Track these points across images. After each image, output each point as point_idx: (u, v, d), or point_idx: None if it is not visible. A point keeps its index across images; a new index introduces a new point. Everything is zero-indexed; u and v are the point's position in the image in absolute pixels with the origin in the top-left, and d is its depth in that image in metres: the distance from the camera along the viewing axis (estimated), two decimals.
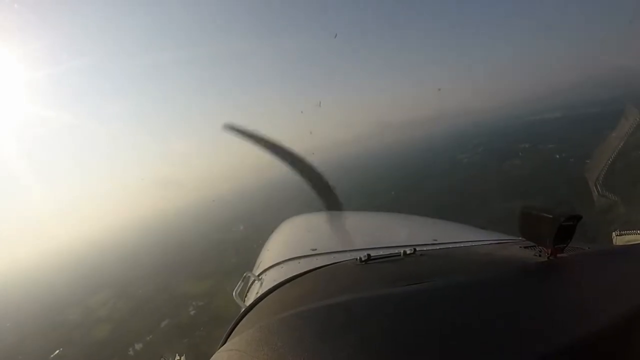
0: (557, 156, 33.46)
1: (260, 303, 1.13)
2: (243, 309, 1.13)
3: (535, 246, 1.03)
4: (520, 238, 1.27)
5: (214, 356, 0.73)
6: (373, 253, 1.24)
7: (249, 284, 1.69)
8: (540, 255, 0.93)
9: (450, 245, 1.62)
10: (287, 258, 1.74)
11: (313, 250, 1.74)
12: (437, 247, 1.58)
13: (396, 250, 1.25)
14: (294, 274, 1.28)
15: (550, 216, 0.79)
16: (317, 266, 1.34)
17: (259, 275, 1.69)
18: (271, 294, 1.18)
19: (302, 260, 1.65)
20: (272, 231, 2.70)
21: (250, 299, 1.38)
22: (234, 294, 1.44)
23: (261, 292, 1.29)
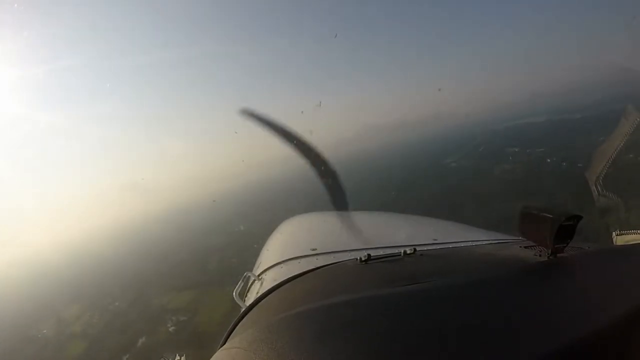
0: (549, 160, 33.58)
1: (260, 303, 1.13)
2: (243, 309, 1.12)
3: (535, 246, 1.03)
4: (520, 238, 1.29)
5: (214, 356, 0.72)
6: (373, 253, 1.24)
7: (249, 284, 1.69)
8: (540, 255, 0.94)
9: (450, 245, 1.63)
10: (287, 258, 1.73)
11: (313, 250, 1.74)
12: (437, 247, 1.59)
13: (396, 250, 1.26)
14: (294, 274, 1.28)
15: (550, 216, 0.79)
16: (317, 266, 1.34)
17: (259, 275, 1.68)
18: (271, 294, 1.17)
19: (302, 260, 1.64)
20: (272, 231, 2.69)
21: (251, 299, 1.37)
22: (234, 293, 1.43)
23: (261, 292, 1.28)
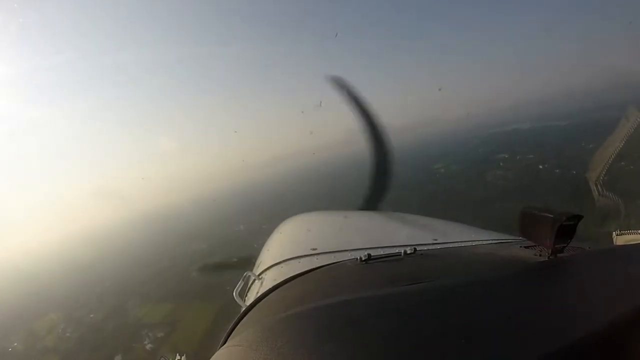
0: (541, 167, 33.52)
1: (260, 303, 1.13)
2: (243, 309, 1.12)
3: (535, 246, 1.04)
4: (520, 238, 1.30)
5: (214, 356, 0.72)
6: (373, 253, 1.24)
7: (249, 283, 1.68)
8: (540, 255, 0.94)
9: (451, 245, 1.63)
10: (287, 258, 1.72)
11: (313, 249, 1.74)
12: (438, 247, 1.59)
13: (396, 250, 1.26)
14: (294, 274, 1.28)
15: (551, 216, 0.80)
16: (317, 266, 1.34)
17: (259, 275, 1.68)
18: (271, 294, 1.17)
19: (302, 260, 1.64)
20: (272, 231, 2.68)
21: (251, 298, 1.36)
22: (234, 293, 1.43)
23: (261, 291, 1.28)
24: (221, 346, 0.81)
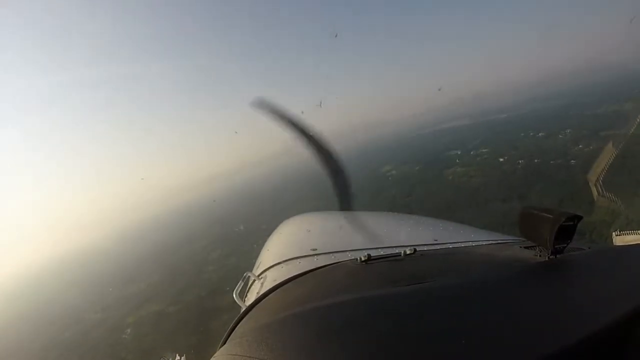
0: (501, 159, 33.32)
1: (260, 303, 1.13)
2: (243, 309, 1.12)
3: (535, 246, 1.02)
4: (520, 238, 1.29)
5: (214, 355, 0.72)
6: (373, 253, 1.24)
7: (249, 284, 1.68)
8: (540, 256, 0.93)
9: (451, 246, 1.63)
10: (287, 258, 1.72)
11: (313, 250, 1.74)
12: (438, 247, 1.59)
13: (396, 250, 1.26)
14: (294, 274, 1.28)
15: (550, 216, 0.80)
16: (317, 266, 1.34)
17: (259, 275, 1.68)
18: (271, 294, 1.17)
19: (302, 260, 1.64)
20: (272, 231, 2.69)
21: (251, 299, 1.37)
22: (234, 293, 1.43)
23: (261, 292, 1.28)
24: (221, 346, 0.82)
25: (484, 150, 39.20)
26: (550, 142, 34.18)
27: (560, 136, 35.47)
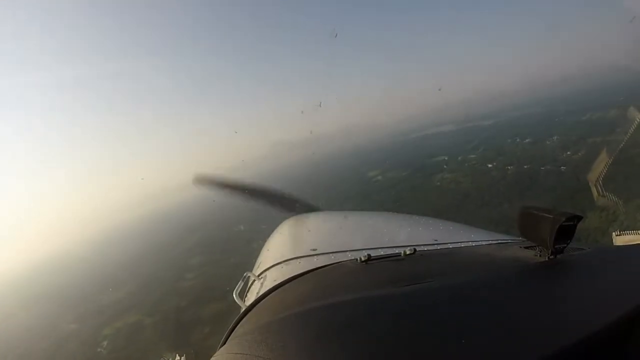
0: (490, 165, 33.33)
1: (260, 303, 1.12)
2: (243, 309, 1.12)
3: (535, 246, 1.03)
4: (520, 238, 1.29)
5: (214, 355, 0.72)
6: (373, 253, 1.24)
7: (249, 284, 1.68)
8: (540, 256, 0.94)
9: (451, 246, 1.63)
10: (287, 258, 1.72)
11: (313, 250, 1.73)
12: (438, 247, 1.59)
13: (396, 251, 1.26)
14: (294, 274, 1.28)
15: (551, 216, 0.80)
16: (317, 266, 1.34)
17: (259, 275, 1.68)
18: (271, 294, 1.17)
19: (302, 260, 1.63)
20: (272, 231, 2.67)
21: (251, 299, 1.36)
22: (234, 293, 1.42)
23: (261, 292, 1.28)
24: (221, 346, 0.82)
25: (471, 156, 39.24)
26: (538, 148, 34.27)
27: (547, 142, 35.56)
